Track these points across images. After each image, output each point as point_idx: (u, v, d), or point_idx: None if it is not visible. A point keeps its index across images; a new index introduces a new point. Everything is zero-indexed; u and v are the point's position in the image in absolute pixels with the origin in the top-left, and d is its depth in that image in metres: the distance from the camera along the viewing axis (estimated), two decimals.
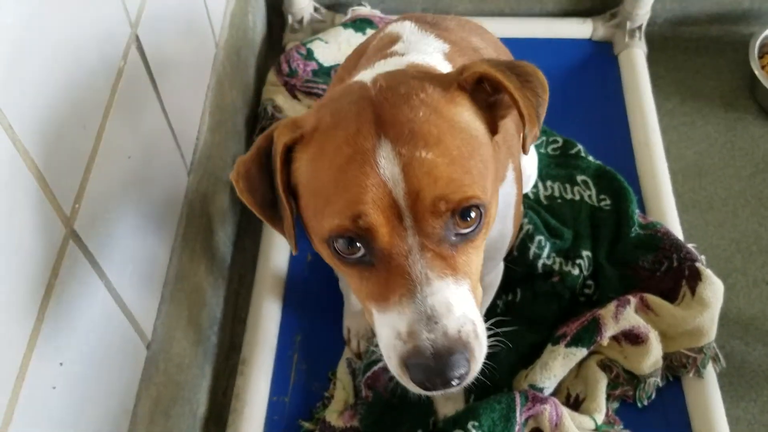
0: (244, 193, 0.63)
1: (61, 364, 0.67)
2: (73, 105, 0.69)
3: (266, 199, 0.62)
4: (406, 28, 0.85)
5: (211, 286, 1.16)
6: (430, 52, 0.79)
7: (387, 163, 0.55)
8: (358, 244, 0.58)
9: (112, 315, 0.79)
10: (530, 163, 1.27)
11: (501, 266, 1.00)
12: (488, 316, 1.19)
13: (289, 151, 0.62)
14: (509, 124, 0.83)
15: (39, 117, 0.63)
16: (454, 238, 0.58)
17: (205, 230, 1.12)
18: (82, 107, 0.71)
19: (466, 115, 0.62)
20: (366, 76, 0.68)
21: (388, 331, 0.57)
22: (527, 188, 1.29)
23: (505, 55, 1.05)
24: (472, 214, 0.58)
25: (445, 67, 0.76)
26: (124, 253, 0.81)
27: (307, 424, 1.15)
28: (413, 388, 0.58)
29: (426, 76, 0.64)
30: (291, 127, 0.62)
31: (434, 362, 0.54)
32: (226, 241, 1.25)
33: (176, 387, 0.99)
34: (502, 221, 0.84)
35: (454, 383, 0.56)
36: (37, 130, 0.62)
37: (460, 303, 0.58)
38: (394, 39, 0.84)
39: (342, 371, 1.19)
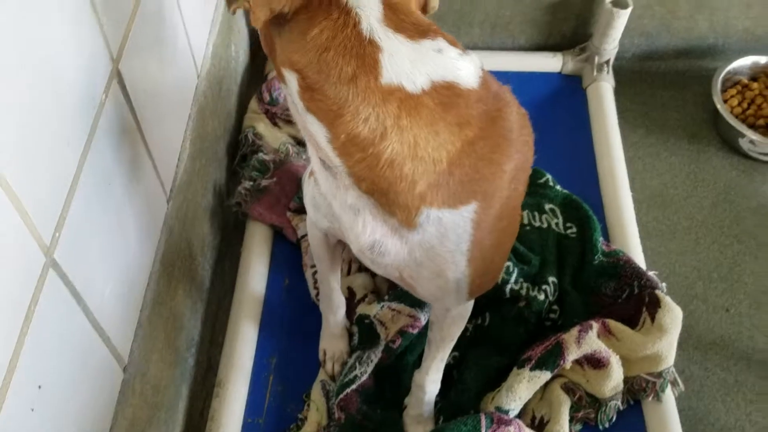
0: None
1: (39, 387, 0.70)
2: (54, 136, 0.73)
3: None
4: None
5: (189, 309, 1.19)
6: None
7: None
8: None
9: (89, 339, 0.82)
10: None
11: (471, 303, 0.99)
12: (459, 340, 1.24)
13: None
14: (507, 175, 0.82)
15: (20, 147, 0.67)
16: None
17: (184, 255, 1.16)
18: (64, 138, 0.75)
19: None
20: None
21: None
22: None
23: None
24: None
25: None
26: (102, 280, 0.85)
27: None
28: None
29: None
30: None
31: None
32: (205, 265, 1.29)
33: (152, 408, 1.02)
34: (454, 254, 0.83)
35: None
36: (17, 161, 0.66)
37: None
38: None
39: (316, 393, 1.22)
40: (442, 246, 0.83)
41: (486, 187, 0.82)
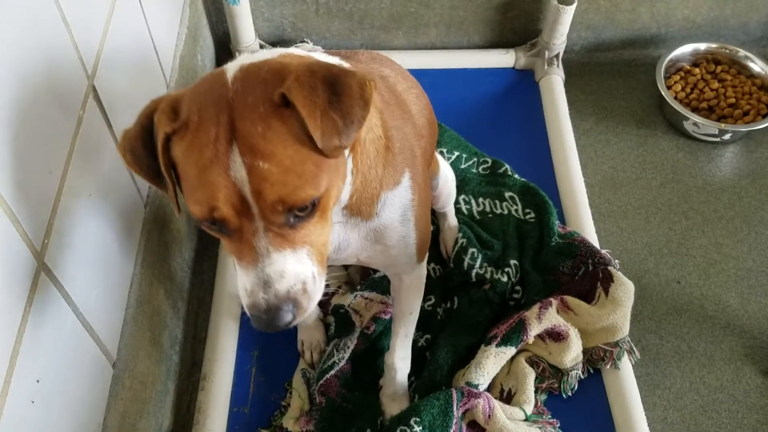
0: (132, 165, 0.76)
1: (38, 381, 0.77)
2: (39, 153, 0.79)
3: (152, 169, 0.75)
4: (314, 52, 0.92)
5: (171, 309, 1.25)
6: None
7: (237, 167, 0.68)
8: (215, 225, 0.72)
9: (80, 337, 0.88)
10: (447, 183, 1.35)
11: (422, 270, 1.09)
12: (428, 323, 1.32)
13: (168, 137, 0.73)
14: (410, 133, 0.94)
15: (9, 164, 0.73)
16: (292, 220, 0.72)
17: (163, 258, 1.22)
18: (48, 154, 0.81)
19: (296, 127, 0.71)
20: (231, 66, 0.76)
21: (241, 283, 0.73)
22: (447, 206, 1.40)
23: (413, 84, 1.12)
24: (307, 206, 0.72)
25: (334, 60, 0.85)
26: (89, 282, 0.91)
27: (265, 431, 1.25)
28: (257, 327, 0.74)
29: (276, 76, 0.71)
30: (169, 115, 0.72)
31: (265, 315, 0.72)
32: (184, 266, 1.35)
33: (141, 402, 1.08)
34: (402, 224, 0.94)
35: (282, 327, 0.72)
36: (8, 176, 0.72)
37: (294, 268, 0.72)
38: None
39: (297, 381, 1.29)
40: (392, 222, 0.93)
41: (407, 153, 0.92)
